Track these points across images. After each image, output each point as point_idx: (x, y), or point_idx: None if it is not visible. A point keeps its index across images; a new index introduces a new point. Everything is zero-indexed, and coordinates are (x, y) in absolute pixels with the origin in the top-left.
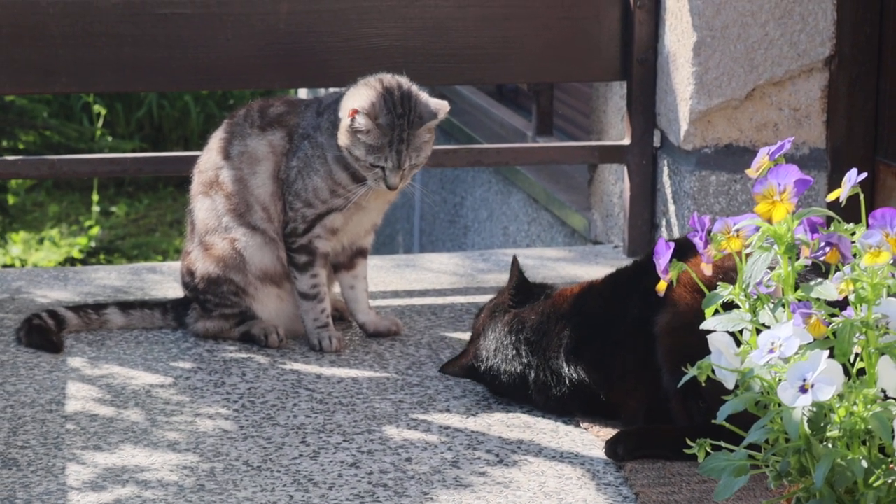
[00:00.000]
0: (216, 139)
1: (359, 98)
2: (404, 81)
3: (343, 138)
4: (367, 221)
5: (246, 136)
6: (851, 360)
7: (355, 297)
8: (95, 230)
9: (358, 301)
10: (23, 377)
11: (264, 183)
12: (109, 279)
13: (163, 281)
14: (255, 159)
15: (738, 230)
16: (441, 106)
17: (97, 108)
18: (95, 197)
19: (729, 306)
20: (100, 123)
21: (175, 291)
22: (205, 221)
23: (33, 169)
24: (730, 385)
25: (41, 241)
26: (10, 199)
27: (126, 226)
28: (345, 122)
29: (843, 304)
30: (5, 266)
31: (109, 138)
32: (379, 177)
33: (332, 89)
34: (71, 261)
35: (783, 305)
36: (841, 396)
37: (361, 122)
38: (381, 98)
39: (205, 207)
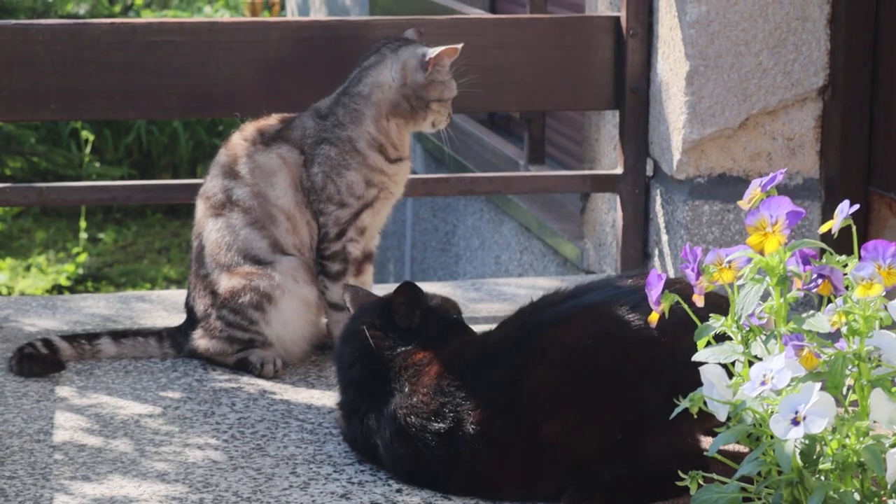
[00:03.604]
0: (218, 165)
1: (426, 50)
2: None
3: (429, 90)
4: (384, 216)
5: (252, 154)
6: (844, 392)
7: None
8: (83, 257)
9: None
10: (10, 406)
11: (285, 194)
12: (98, 308)
13: (152, 309)
14: (268, 173)
15: (730, 262)
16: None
17: (85, 134)
18: (83, 224)
19: (721, 338)
20: (88, 150)
21: (164, 320)
22: (217, 242)
23: (21, 196)
24: (722, 417)
25: (28, 268)
26: None
27: (114, 253)
28: (420, 75)
29: (834, 336)
30: None
31: (97, 165)
32: (448, 112)
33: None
34: (58, 288)
35: (775, 337)
36: (833, 429)
37: (447, 62)
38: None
39: (217, 227)
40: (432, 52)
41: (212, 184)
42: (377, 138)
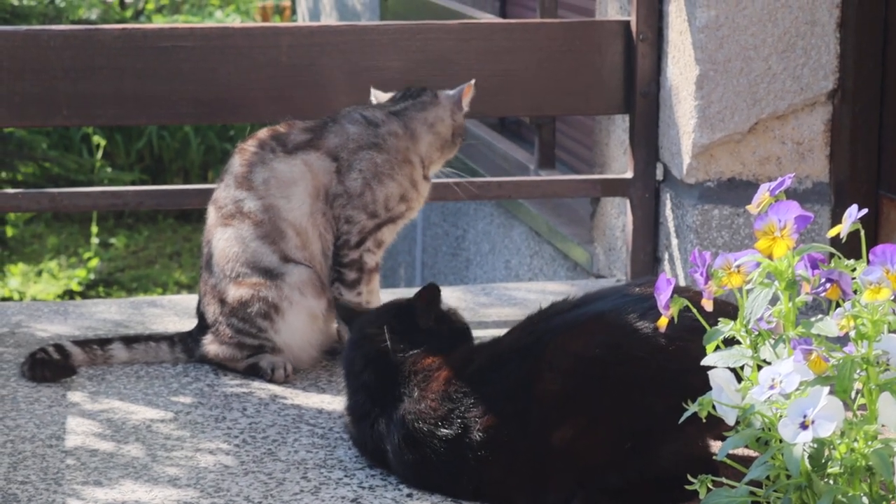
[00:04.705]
0: (232, 174)
1: (451, 91)
2: None
3: (462, 127)
4: (396, 233)
5: (270, 163)
6: (852, 396)
7: None
8: (94, 262)
9: None
10: (23, 412)
11: (301, 204)
12: (109, 313)
13: (163, 315)
14: (286, 183)
15: (738, 266)
16: None
17: (97, 139)
18: (95, 229)
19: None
20: (99, 155)
21: (175, 325)
22: (225, 253)
23: (34, 202)
24: (731, 421)
25: (40, 274)
26: (9, 231)
27: (125, 258)
28: (459, 114)
29: (843, 340)
30: (4, 299)
31: (109, 170)
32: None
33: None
34: (70, 293)
35: (784, 341)
36: (842, 433)
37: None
38: None
39: (226, 237)
40: (459, 91)
41: (224, 193)
42: (424, 159)
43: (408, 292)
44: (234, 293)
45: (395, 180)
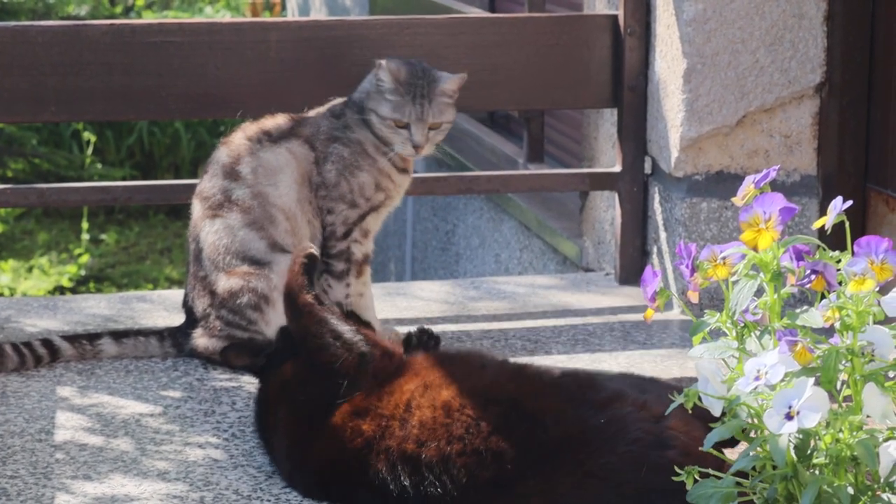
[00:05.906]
0: (219, 164)
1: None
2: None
3: (371, 101)
4: (381, 222)
5: (256, 152)
6: (837, 387)
7: (366, 304)
8: (85, 258)
9: (369, 308)
10: (12, 406)
11: (288, 191)
12: (99, 308)
13: (152, 310)
14: (273, 170)
15: (724, 258)
16: (458, 76)
17: (87, 135)
18: (85, 225)
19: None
20: (89, 151)
21: (165, 320)
22: (215, 245)
23: (22, 198)
24: (716, 412)
25: (30, 270)
26: None
27: (116, 254)
28: (370, 80)
29: (829, 332)
30: None
31: (99, 166)
32: (405, 137)
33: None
34: (60, 289)
35: (769, 333)
36: (827, 423)
37: (384, 76)
38: (402, 61)
39: (214, 230)
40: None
41: (210, 184)
42: (382, 142)
43: (398, 287)
44: (225, 284)
45: (364, 171)
